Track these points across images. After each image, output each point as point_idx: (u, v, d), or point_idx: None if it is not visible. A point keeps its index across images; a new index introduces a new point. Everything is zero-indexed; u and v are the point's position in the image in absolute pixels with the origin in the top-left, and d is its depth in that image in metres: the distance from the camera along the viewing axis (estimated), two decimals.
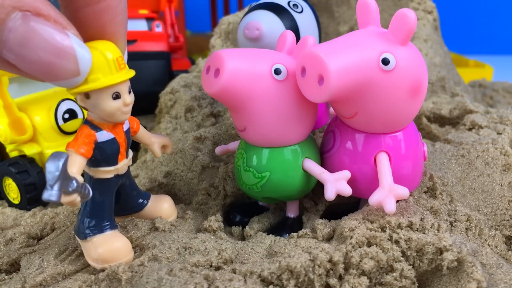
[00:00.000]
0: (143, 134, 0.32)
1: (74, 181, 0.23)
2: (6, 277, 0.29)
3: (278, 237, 0.30)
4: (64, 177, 0.22)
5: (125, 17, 0.26)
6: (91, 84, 0.24)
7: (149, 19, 0.70)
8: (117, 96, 0.25)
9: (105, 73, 0.24)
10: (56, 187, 0.22)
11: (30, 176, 0.39)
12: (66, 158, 0.22)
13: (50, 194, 0.22)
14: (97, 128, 0.26)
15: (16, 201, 0.40)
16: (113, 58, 0.24)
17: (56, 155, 0.22)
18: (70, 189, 0.22)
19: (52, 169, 0.22)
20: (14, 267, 0.31)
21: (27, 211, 0.39)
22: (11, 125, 0.39)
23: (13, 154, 0.41)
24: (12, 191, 0.40)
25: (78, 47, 0.22)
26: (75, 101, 0.41)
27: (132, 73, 0.26)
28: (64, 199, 0.22)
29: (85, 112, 0.42)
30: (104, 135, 0.26)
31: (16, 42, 0.20)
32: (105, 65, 0.24)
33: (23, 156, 0.40)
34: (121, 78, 0.25)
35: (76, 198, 0.23)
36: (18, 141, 0.39)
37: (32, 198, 0.39)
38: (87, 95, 0.25)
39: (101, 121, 0.26)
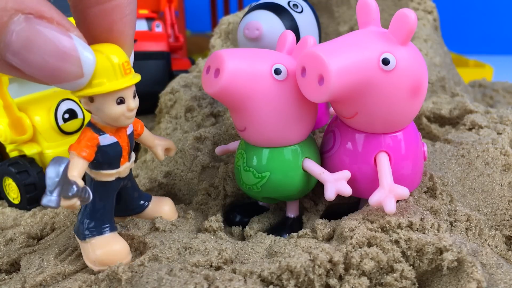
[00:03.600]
0: (147, 137, 0.31)
1: (74, 186, 0.22)
2: (6, 277, 0.29)
3: (278, 237, 0.30)
4: (64, 182, 0.22)
5: (134, 17, 0.25)
6: (96, 89, 0.24)
7: (149, 19, 0.70)
8: (121, 101, 0.25)
9: (110, 78, 0.24)
10: (55, 193, 0.21)
11: (30, 176, 0.39)
12: (67, 163, 0.22)
13: (49, 200, 0.21)
14: (100, 132, 0.26)
15: (16, 201, 0.40)
16: (119, 63, 0.24)
17: (57, 160, 0.22)
18: (70, 194, 0.22)
19: (52, 175, 0.21)
20: (14, 267, 0.30)
21: (27, 211, 0.38)
22: (11, 125, 0.38)
23: (13, 154, 0.41)
24: (12, 191, 0.40)
25: (81, 49, 0.22)
26: (76, 101, 0.41)
27: (138, 78, 0.25)
28: (64, 203, 0.22)
29: (86, 112, 0.42)
30: (107, 139, 0.26)
31: (20, 45, 0.20)
32: (110, 70, 0.24)
33: (23, 156, 0.40)
34: (126, 83, 0.24)
35: (75, 202, 0.23)
36: (18, 141, 0.39)
37: (32, 198, 0.39)
38: (91, 98, 0.24)
39: (104, 125, 0.26)
